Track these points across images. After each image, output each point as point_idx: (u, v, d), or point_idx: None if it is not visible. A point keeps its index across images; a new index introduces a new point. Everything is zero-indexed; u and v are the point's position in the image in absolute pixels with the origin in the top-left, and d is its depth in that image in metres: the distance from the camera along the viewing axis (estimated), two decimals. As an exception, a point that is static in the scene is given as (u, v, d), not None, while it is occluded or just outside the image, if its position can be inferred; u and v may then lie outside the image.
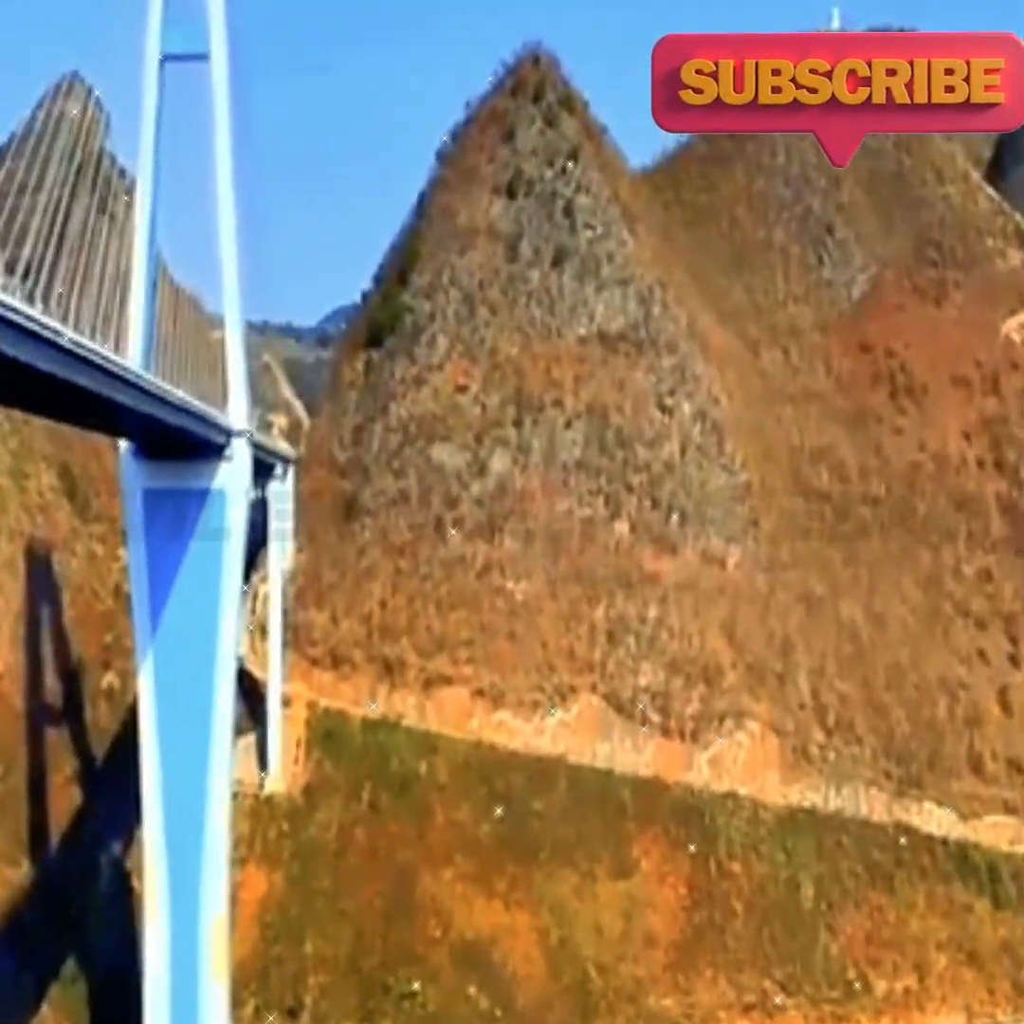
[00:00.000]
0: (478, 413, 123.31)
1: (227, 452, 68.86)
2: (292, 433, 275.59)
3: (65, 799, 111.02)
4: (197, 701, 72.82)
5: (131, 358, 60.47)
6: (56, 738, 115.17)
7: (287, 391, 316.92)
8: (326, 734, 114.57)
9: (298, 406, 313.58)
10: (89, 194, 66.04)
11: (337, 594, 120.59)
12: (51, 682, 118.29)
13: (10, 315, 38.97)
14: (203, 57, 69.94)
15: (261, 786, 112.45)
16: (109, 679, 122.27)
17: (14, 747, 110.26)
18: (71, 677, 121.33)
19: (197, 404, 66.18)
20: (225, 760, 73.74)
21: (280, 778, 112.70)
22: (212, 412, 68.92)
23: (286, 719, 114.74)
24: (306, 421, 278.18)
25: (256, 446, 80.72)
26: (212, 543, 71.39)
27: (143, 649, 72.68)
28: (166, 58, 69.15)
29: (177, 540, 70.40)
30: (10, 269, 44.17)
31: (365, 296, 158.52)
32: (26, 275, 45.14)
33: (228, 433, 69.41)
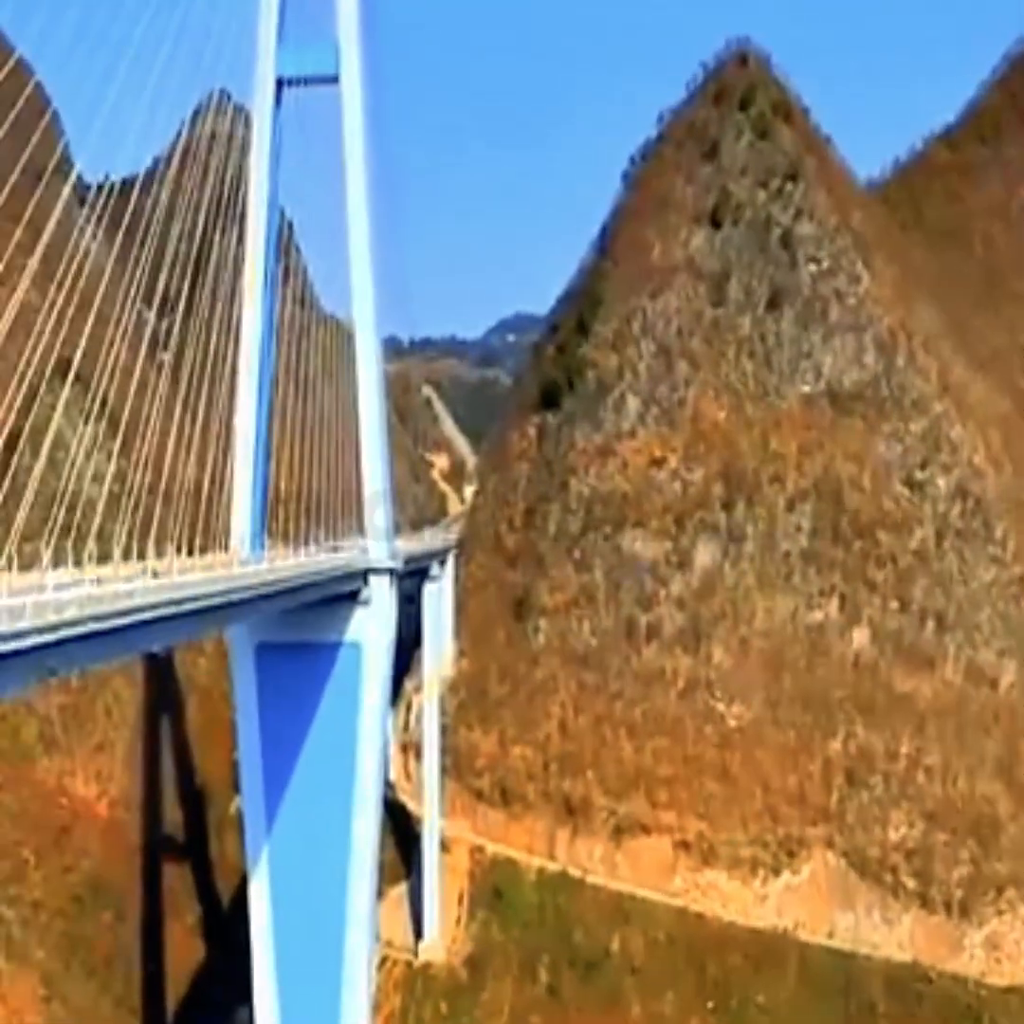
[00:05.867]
0: (678, 492, 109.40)
1: (363, 595, 56.88)
2: (454, 475, 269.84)
3: (185, 953, 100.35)
4: (328, 863, 63.25)
5: (238, 538, 54.52)
6: (176, 877, 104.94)
7: (449, 426, 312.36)
8: (494, 891, 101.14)
9: (461, 443, 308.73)
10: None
11: (506, 712, 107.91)
12: (171, 809, 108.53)
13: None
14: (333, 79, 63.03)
15: (415, 951, 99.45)
16: (238, 803, 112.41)
17: (129, 889, 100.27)
18: (194, 802, 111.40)
19: (324, 564, 55.75)
20: (365, 925, 63.28)
21: (439, 943, 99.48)
22: (342, 563, 57.64)
23: (445, 867, 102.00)
24: (470, 459, 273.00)
25: (405, 563, 68.52)
26: (346, 700, 59.92)
27: (254, 820, 62.82)
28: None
29: (299, 698, 59.46)
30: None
31: (537, 347, 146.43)
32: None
33: (365, 573, 57.33)
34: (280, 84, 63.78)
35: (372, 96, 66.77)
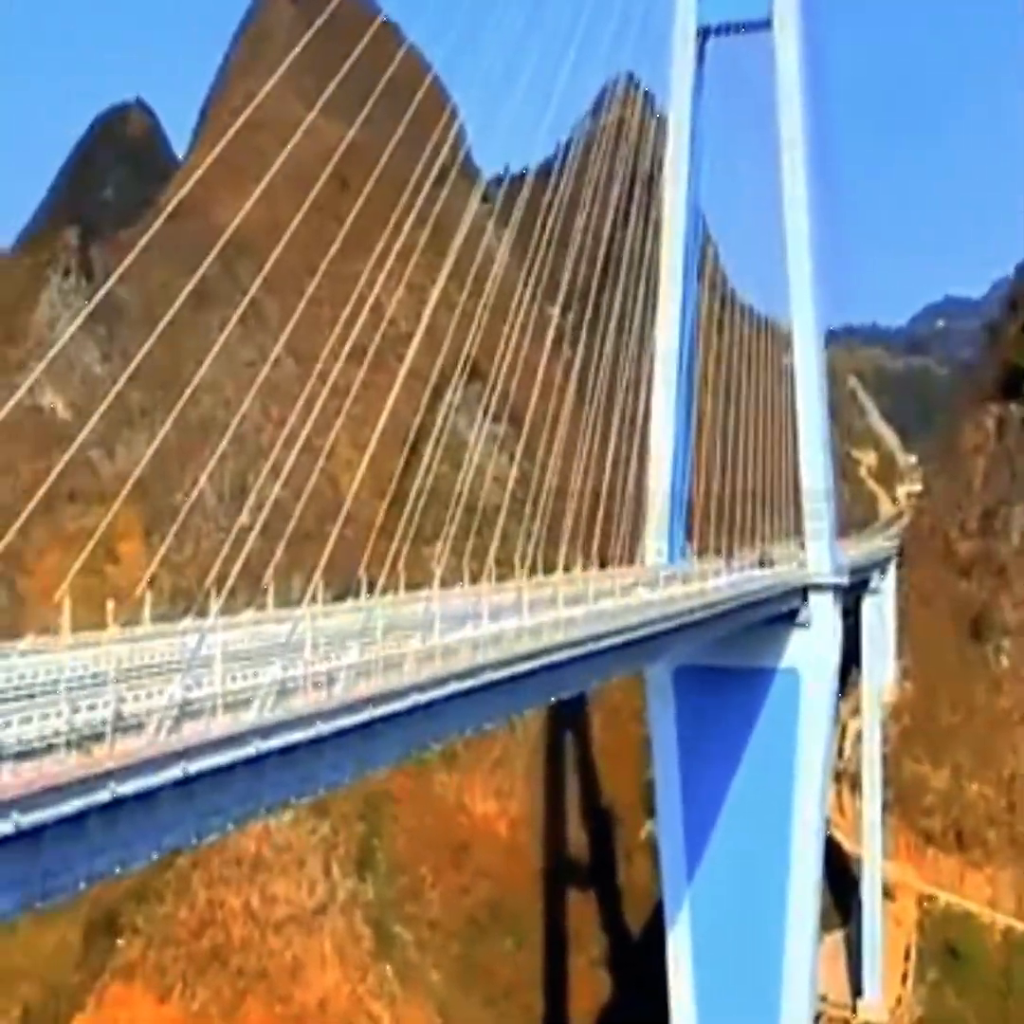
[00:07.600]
0: None
1: (801, 616, 48.98)
2: (882, 471, 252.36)
3: (589, 987, 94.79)
4: (760, 904, 57.18)
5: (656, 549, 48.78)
6: (581, 904, 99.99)
7: (875, 419, 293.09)
8: (948, 948, 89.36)
9: (889, 436, 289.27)
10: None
11: (960, 743, 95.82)
12: (575, 831, 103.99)
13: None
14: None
15: (853, 1009, 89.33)
16: (650, 828, 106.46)
17: (530, 915, 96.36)
18: (600, 825, 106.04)
19: (758, 582, 49.20)
20: (804, 977, 56.80)
21: (881, 1003, 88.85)
22: (780, 580, 49.85)
23: (888, 917, 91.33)
24: (900, 456, 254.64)
25: (849, 575, 59.78)
26: (781, 730, 52.28)
27: (672, 852, 57.59)
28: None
29: (725, 726, 52.71)
30: None
31: (992, 328, 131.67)
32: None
33: (805, 589, 49.35)
34: (703, 35, 57.36)
35: (808, 46, 58.98)
